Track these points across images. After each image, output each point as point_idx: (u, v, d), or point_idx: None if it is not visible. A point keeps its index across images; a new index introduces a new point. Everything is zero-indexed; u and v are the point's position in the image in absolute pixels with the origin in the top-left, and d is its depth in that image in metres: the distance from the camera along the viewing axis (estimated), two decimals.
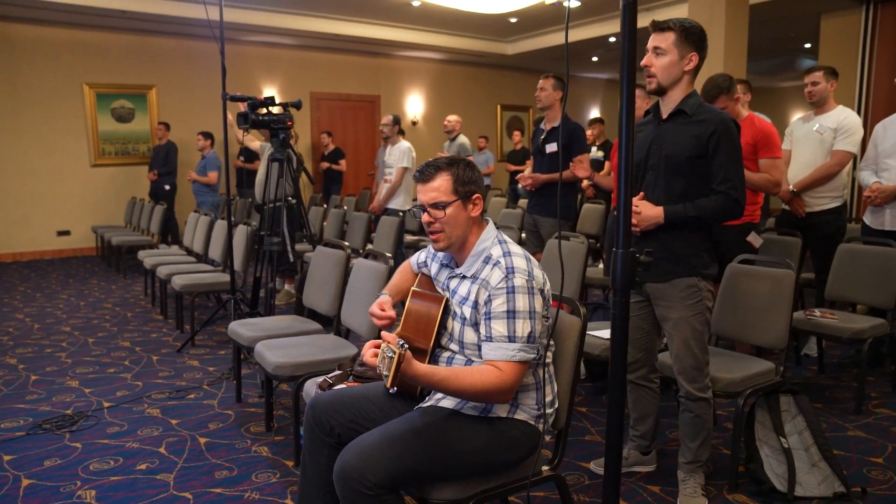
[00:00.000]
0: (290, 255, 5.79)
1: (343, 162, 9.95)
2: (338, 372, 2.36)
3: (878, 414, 3.37)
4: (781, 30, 9.74)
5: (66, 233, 9.33)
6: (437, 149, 7.61)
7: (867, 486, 2.58)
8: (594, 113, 14.52)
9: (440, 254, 2.01)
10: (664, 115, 2.32)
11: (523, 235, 4.78)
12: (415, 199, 7.55)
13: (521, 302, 1.69)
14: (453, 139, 7.64)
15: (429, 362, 1.85)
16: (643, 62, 2.28)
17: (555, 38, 10.83)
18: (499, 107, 13.43)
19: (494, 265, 1.76)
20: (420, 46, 11.05)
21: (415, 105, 12.16)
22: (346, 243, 3.46)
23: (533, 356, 1.71)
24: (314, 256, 3.64)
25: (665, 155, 2.28)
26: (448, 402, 1.80)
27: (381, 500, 1.59)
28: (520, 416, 1.80)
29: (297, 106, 3.99)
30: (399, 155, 5.98)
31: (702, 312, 2.30)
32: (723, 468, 2.73)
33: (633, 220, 2.27)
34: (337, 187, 10.01)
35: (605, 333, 3.01)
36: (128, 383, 3.91)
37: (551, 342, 1.89)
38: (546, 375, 1.85)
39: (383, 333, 1.55)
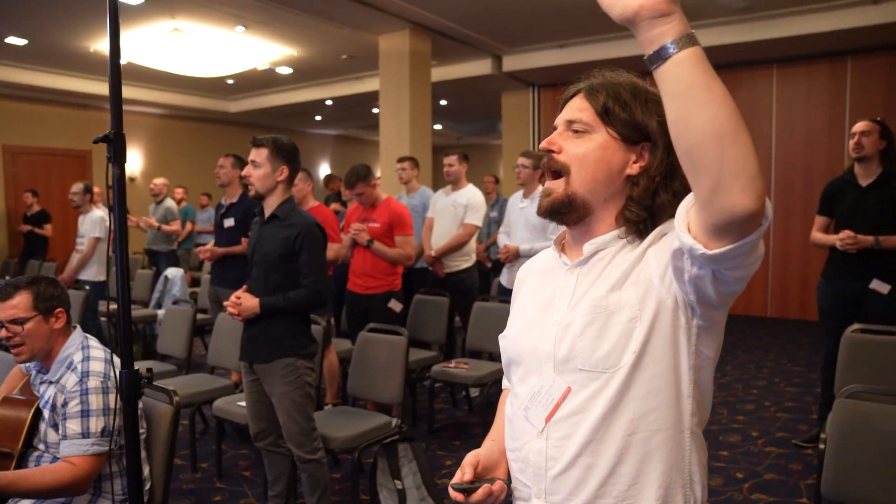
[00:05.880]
0: None
1: (48, 227, 9.11)
2: None
3: None
4: (479, 99, 11.12)
5: None
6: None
7: None
8: (325, 168, 15.10)
9: None
10: (265, 218, 2.72)
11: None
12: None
13: (95, 401, 1.92)
14: (159, 202, 7.57)
15: (17, 464, 1.98)
16: (244, 172, 2.67)
17: (275, 99, 11.19)
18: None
19: (72, 370, 1.97)
20: (135, 101, 10.70)
21: (132, 161, 11.66)
22: None
23: (107, 448, 1.93)
24: None
25: (263, 253, 2.68)
26: (27, 502, 1.94)
27: None
28: (102, 502, 2.00)
29: None
30: (91, 224, 5.83)
31: (301, 387, 2.70)
32: None
33: (235, 311, 2.62)
34: (41, 252, 9.13)
35: (244, 403, 3.31)
36: None
37: (142, 430, 2.12)
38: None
39: None
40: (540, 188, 4.72)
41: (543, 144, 1.16)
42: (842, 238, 3.53)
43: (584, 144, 1.13)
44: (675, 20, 0.87)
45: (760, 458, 3.79)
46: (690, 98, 0.86)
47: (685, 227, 0.95)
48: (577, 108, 1.15)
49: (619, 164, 1.13)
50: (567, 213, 1.15)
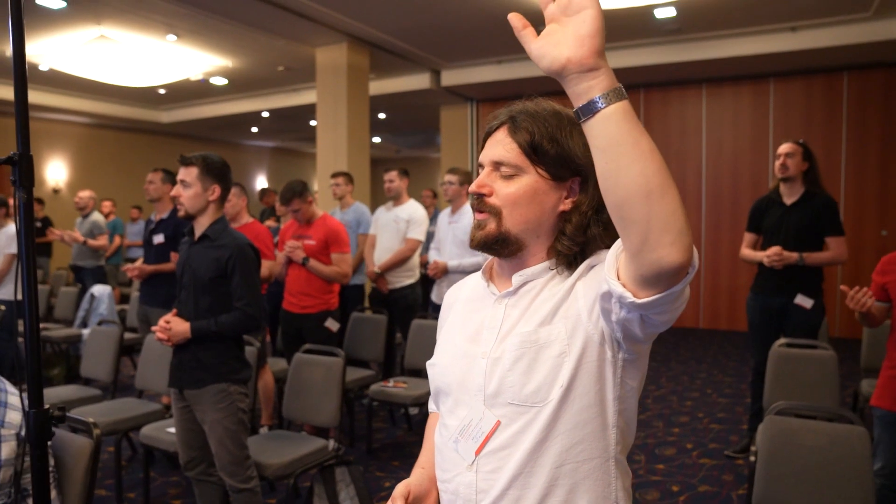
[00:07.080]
0: None
1: None
2: None
3: None
4: (418, 113, 11.12)
5: None
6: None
7: None
8: (262, 181, 14.81)
9: None
10: (196, 238, 2.61)
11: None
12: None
13: None
14: (86, 216, 7.25)
15: None
16: (173, 192, 2.56)
17: (210, 109, 10.91)
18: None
19: None
20: (60, 110, 10.24)
21: (57, 171, 11.15)
22: None
23: (4, 501, 1.79)
24: None
25: (193, 275, 2.57)
26: None
27: None
28: None
29: None
30: (7, 240, 5.50)
31: (234, 413, 2.59)
32: None
33: (165, 336, 2.51)
34: None
35: (173, 429, 3.17)
36: None
37: (50, 468, 1.99)
38: None
39: None
40: (468, 205, 4.68)
41: (473, 188, 1.15)
42: (769, 255, 3.65)
43: (513, 185, 1.13)
44: (603, 75, 0.87)
45: (695, 469, 3.86)
46: (619, 153, 0.87)
47: (614, 274, 0.97)
48: (503, 148, 1.14)
49: (551, 203, 1.14)
50: (500, 249, 1.15)
